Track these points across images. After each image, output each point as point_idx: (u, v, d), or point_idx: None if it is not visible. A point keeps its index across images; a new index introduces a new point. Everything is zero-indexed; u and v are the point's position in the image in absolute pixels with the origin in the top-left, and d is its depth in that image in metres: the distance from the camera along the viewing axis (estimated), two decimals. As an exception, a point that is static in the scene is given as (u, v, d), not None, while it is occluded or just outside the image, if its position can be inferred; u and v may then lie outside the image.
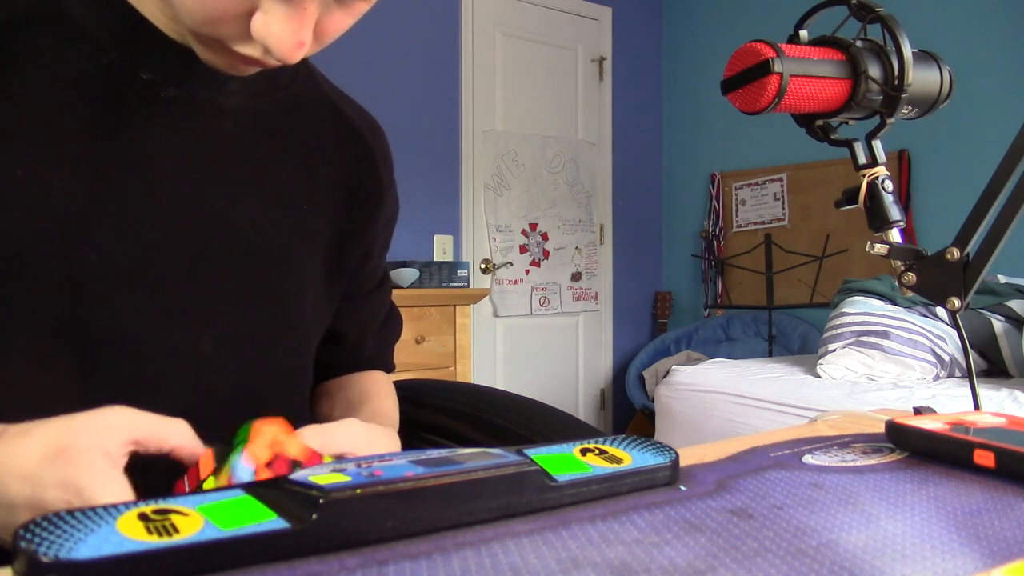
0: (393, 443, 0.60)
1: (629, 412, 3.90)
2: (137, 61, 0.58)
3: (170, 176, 0.59)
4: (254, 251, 0.64)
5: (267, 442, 0.47)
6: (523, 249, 3.61)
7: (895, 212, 0.60)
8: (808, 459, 0.50)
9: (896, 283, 0.74)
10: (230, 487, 0.36)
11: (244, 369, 0.64)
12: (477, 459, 0.39)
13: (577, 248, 3.79)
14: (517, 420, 0.82)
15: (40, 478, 0.42)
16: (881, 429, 0.55)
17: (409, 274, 2.72)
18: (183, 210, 0.60)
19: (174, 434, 0.47)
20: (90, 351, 0.56)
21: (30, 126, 0.54)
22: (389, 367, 0.86)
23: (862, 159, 0.61)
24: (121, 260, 0.57)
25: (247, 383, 0.64)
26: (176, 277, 0.59)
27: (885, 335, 2.38)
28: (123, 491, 0.42)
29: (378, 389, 0.79)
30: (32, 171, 0.54)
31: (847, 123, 0.63)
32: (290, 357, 0.68)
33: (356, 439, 0.54)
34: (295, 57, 0.52)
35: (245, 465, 0.45)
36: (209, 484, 0.46)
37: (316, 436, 0.52)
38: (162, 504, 0.33)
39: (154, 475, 0.47)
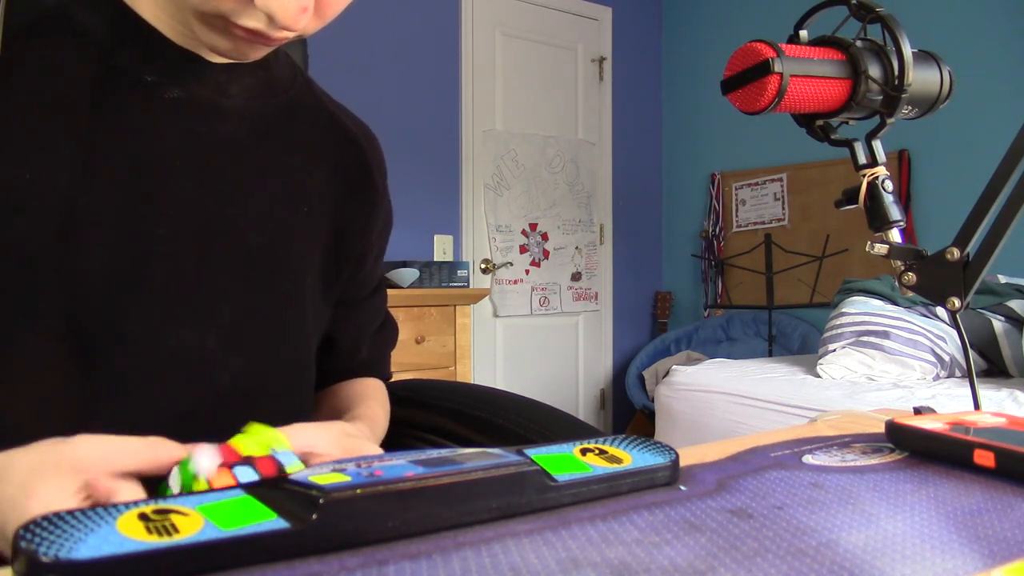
0: (355, 441, 0.55)
1: (629, 412, 3.90)
2: (141, 63, 0.59)
3: (174, 176, 0.60)
4: (255, 250, 0.64)
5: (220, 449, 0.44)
6: (523, 249, 3.61)
7: (895, 212, 0.60)
8: (808, 459, 0.49)
9: (896, 283, 0.74)
10: (227, 488, 0.36)
11: (246, 366, 0.64)
12: (477, 459, 0.39)
13: (577, 248, 3.79)
14: (517, 420, 0.82)
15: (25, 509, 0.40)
16: (881, 429, 0.55)
17: (409, 274, 2.72)
18: (186, 209, 0.60)
19: (149, 456, 0.44)
20: (93, 350, 0.56)
21: (37, 128, 0.55)
22: (384, 374, 0.85)
23: (862, 159, 0.61)
24: (125, 259, 0.57)
25: (249, 381, 0.64)
26: (179, 276, 0.60)
27: (885, 335, 2.38)
28: None
29: (367, 394, 0.77)
30: (38, 172, 0.54)
31: (847, 123, 0.62)
32: (291, 354, 0.68)
33: (311, 438, 0.51)
34: (298, 23, 0.53)
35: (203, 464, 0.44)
36: (165, 491, 0.43)
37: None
38: (162, 504, 0.33)
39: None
